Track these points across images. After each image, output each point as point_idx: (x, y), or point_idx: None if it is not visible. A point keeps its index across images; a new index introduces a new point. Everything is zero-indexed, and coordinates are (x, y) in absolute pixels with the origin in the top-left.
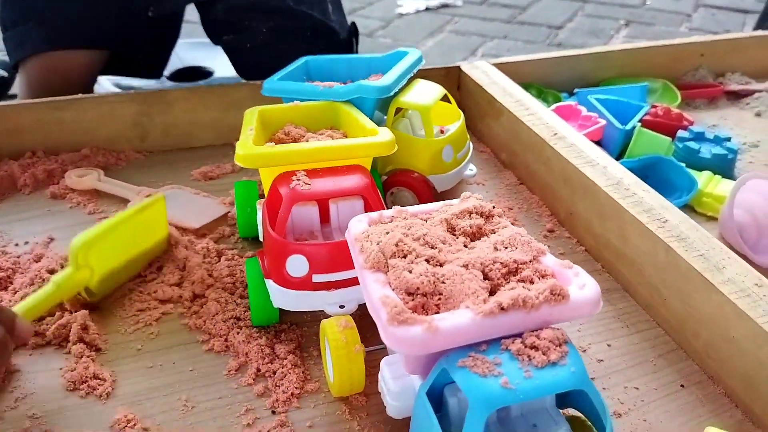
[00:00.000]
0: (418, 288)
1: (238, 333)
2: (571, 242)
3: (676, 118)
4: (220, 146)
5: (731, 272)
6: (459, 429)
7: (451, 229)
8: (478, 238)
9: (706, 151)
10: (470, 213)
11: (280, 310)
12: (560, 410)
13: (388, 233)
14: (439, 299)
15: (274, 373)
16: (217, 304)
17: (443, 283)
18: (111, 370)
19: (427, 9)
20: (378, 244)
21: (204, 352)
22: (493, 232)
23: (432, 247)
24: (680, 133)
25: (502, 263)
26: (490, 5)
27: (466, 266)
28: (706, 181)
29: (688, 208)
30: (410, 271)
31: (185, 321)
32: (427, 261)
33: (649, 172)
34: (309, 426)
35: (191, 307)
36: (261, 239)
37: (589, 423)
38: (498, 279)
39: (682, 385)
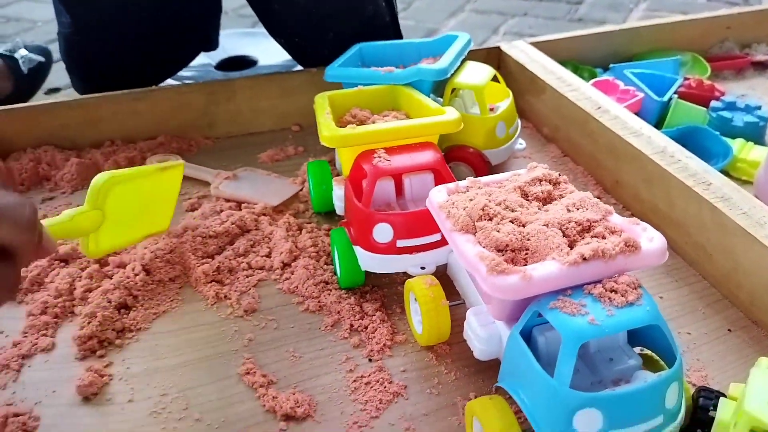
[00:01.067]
0: (507, 245)
1: (328, 295)
2: (618, 208)
3: (709, 89)
4: (280, 131)
5: None
6: (547, 363)
7: (525, 195)
8: (549, 202)
9: (739, 119)
10: (540, 180)
11: (367, 273)
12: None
13: (472, 200)
14: (526, 254)
15: (366, 327)
16: (306, 270)
17: (528, 240)
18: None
19: None
20: (464, 209)
21: (300, 312)
22: (562, 196)
23: (512, 211)
24: (713, 103)
25: (576, 222)
26: None
27: (546, 225)
28: (739, 147)
29: (723, 173)
30: (498, 231)
31: (279, 286)
32: (512, 222)
33: (687, 141)
34: (403, 371)
35: (282, 274)
36: (339, 213)
37: (656, 357)
38: (574, 236)
39: (729, 330)
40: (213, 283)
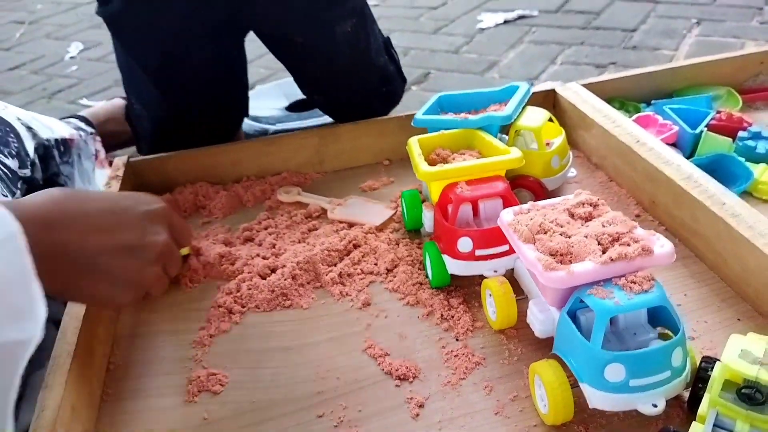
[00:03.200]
0: (557, 251)
1: (423, 292)
2: (654, 224)
3: (737, 121)
4: (374, 165)
5: None
6: (587, 335)
7: (571, 215)
8: (590, 220)
9: (762, 147)
10: (583, 204)
11: (452, 276)
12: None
13: (532, 219)
14: (570, 257)
15: (453, 316)
16: (405, 274)
17: (572, 247)
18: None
19: (505, 22)
20: (526, 225)
21: (403, 305)
22: (600, 215)
23: (561, 226)
24: (740, 133)
25: (608, 234)
26: (564, 13)
27: (586, 236)
28: (761, 171)
29: (746, 194)
30: (551, 241)
31: (385, 286)
32: (561, 234)
33: (716, 166)
34: (482, 348)
35: (387, 277)
36: (428, 230)
37: (671, 334)
38: (606, 244)
39: (738, 319)
40: (338, 284)
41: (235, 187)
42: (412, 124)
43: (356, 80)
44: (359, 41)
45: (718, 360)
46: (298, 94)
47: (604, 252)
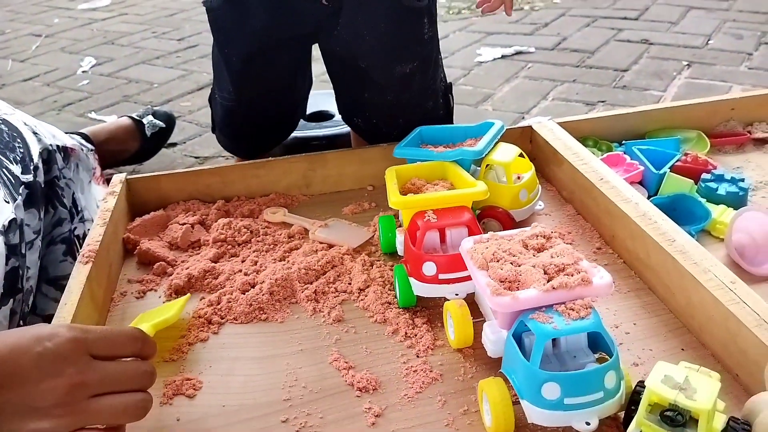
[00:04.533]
0: (506, 278)
1: (390, 311)
2: (614, 256)
3: (702, 163)
4: (358, 190)
5: (714, 273)
6: (530, 355)
7: (525, 246)
8: (542, 251)
9: (723, 189)
10: (537, 236)
11: (417, 297)
12: (591, 351)
13: (487, 248)
14: (518, 284)
15: (416, 335)
16: (375, 294)
17: (521, 275)
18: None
19: (503, 57)
20: (482, 254)
21: (371, 322)
22: (551, 247)
23: (513, 256)
24: (704, 175)
25: (555, 265)
26: (560, 51)
27: (534, 266)
28: (720, 212)
29: (705, 233)
30: (501, 269)
31: (356, 305)
32: (511, 263)
33: (677, 206)
34: (440, 364)
35: (359, 296)
36: (400, 253)
37: (608, 358)
38: (553, 273)
39: (682, 349)
40: (312, 301)
41: (226, 206)
42: (393, 154)
43: (399, 117)
44: (412, 84)
45: None
46: (317, 106)
47: (549, 281)
